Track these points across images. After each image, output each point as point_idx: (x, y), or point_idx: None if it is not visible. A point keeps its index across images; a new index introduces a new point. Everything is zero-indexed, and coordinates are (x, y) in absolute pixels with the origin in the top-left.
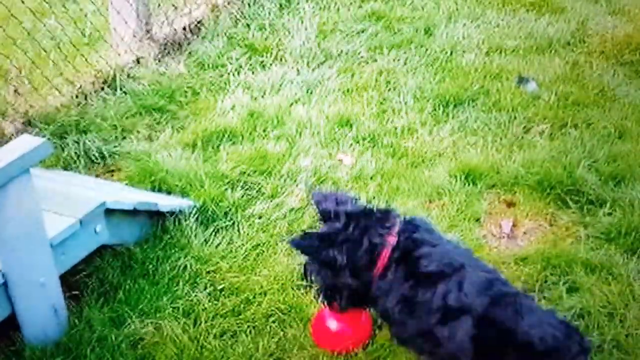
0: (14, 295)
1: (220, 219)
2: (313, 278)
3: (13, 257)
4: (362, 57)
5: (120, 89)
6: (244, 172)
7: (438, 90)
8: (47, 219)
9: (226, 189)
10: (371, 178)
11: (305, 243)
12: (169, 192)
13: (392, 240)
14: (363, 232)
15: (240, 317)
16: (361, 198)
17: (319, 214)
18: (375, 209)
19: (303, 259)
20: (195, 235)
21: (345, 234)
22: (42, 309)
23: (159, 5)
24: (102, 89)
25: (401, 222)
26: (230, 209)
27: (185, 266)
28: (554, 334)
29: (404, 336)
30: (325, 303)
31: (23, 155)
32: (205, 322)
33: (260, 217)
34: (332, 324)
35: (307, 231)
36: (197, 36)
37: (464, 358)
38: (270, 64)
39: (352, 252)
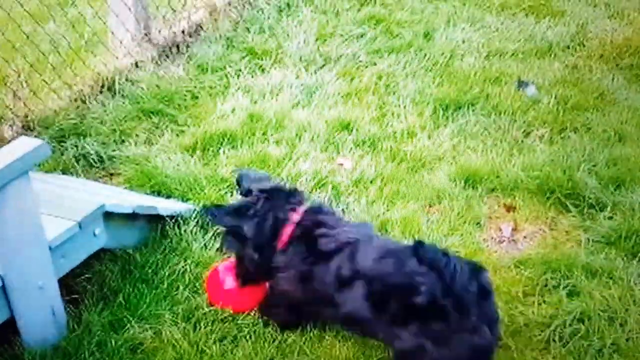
0: (13, 299)
1: None
2: (227, 248)
3: (12, 260)
4: (361, 61)
5: (119, 93)
6: None
7: (437, 94)
8: (45, 222)
9: (226, 193)
10: (371, 182)
11: (215, 213)
12: (168, 196)
13: (295, 217)
14: (270, 207)
15: (240, 322)
16: (361, 202)
17: (239, 191)
18: (285, 187)
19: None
20: (195, 240)
21: (254, 208)
22: (41, 313)
23: (158, 8)
24: (101, 92)
25: (308, 203)
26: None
27: (185, 270)
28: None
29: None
30: (238, 277)
31: (22, 157)
32: (205, 327)
33: None
34: (228, 282)
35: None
36: (196, 40)
37: (362, 315)
38: (270, 68)
39: (258, 226)
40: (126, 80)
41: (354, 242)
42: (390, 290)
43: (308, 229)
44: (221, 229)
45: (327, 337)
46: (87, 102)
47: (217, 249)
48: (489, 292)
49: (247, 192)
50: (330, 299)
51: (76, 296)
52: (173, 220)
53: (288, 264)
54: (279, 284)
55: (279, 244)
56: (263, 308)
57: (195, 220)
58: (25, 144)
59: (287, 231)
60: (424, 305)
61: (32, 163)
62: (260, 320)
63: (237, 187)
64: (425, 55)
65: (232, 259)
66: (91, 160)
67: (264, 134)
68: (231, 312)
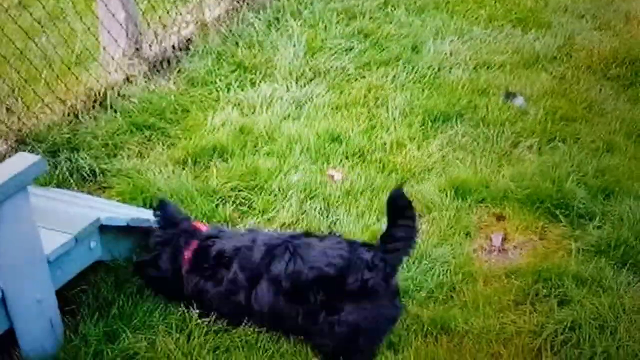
0: (12, 311)
1: None
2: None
3: (11, 274)
4: (350, 74)
5: (111, 107)
6: (235, 188)
7: (426, 106)
8: (43, 235)
9: (217, 205)
10: (361, 193)
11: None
12: None
13: (194, 244)
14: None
15: (233, 332)
16: (351, 213)
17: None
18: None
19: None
20: None
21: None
22: (39, 324)
23: (149, 24)
24: (93, 107)
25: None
26: (221, 224)
27: None
28: (340, 255)
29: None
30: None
31: (20, 172)
32: (199, 337)
33: None
34: None
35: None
36: (187, 54)
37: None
38: (260, 81)
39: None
40: (118, 94)
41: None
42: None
43: (205, 248)
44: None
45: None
46: (79, 116)
47: None
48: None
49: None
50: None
51: (73, 307)
52: None
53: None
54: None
55: (183, 267)
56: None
57: None
58: (24, 160)
59: (187, 256)
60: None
61: (30, 178)
62: (252, 331)
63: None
64: (414, 67)
65: None
66: (84, 174)
67: (254, 146)
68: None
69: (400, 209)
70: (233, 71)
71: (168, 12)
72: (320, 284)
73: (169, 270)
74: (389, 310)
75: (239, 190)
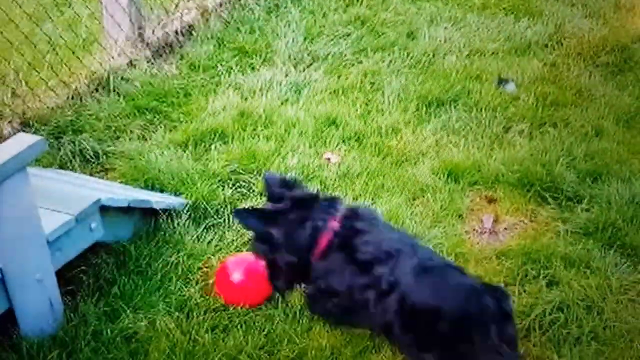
0: (12, 291)
1: (212, 216)
2: (257, 252)
3: (10, 254)
4: (347, 59)
5: (114, 91)
6: (235, 171)
7: (421, 91)
8: (43, 216)
9: (217, 187)
10: (357, 176)
11: (246, 217)
12: (161, 190)
13: (334, 226)
14: (306, 215)
15: (231, 311)
16: (347, 195)
17: (267, 195)
18: (321, 195)
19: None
20: (188, 232)
21: (287, 215)
22: (38, 304)
23: (152, 9)
24: (97, 90)
25: (345, 210)
26: (221, 207)
27: (178, 262)
28: (466, 300)
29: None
30: (270, 281)
31: (19, 153)
32: (197, 316)
33: None
34: (236, 276)
35: (253, 207)
36: (189, 39)
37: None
38: (260, 66)
39: (291, 233)
40: (121, 78)
41: (395, 253)
42: (420, 311)
43: (347, 237)
44: (252, 233)
45: (315, 327)
46: (83, 99)
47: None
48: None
49: (278, 198)
50: (367, 307)
51: (72, 287)
52: (166, 214)
53: (327, 273)
54: (320, 290)
55: (316, 252)
56: (311, 306)
57: (188, 213)
58: (23, 140)
59: (325, 240)
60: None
61: (29, 159)
62: (250, 310)
63: (265, 191)
64: (409, 54)
65: (240, 254)
66: (87, 156)
67: (253, 129)
68: (240, 305)
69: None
70: (234, 56)
71: None
72: (446, 319)
73: (296, 250)
74: None
75: (239, 173)
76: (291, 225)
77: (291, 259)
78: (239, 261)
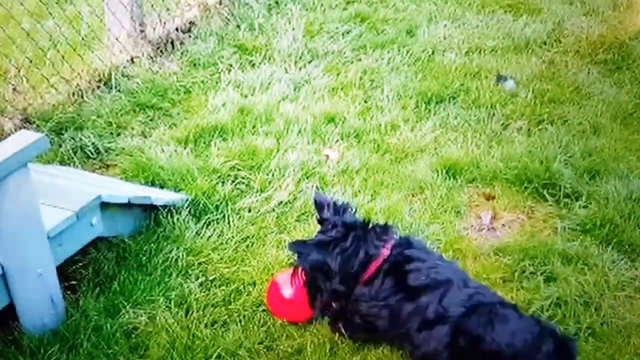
0: (13, 286)
1: (211, 212)
2: (305, 279)
3: (11, 249)
4: (347, 56)
5: (115, 87)
6: (234, 167)
7: (420, 89)
8: (44, 211)
9: (217, 183)
10: (356, 173)
11: (303, 248)
12: (162, 186)
13: (385, 252)
14: (360, 243)
15: (231, 306)
16: (347, 192)
17: (317, 218)
18: (373, 223)
19: (296, 261)
20: (187, 228)
21: (342, 244)
22: (39, 299)
23: (153, 7)
24: (98, 87)
25: (397, 237)
26: (220, 203)
27: (178, 258)
28: (524, 339)
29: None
30: (310, 304)
31: (21, 149)
32: (197, 311)
33: (249, 211)
34: (286, 292)
35: (305, 239)
36: (190, 36)
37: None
38: (260, 63)
39: (345, 262)
40: (122, 75)
41: (445, 283)
42: (475, 348)
43: (397, 263)
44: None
45: (314, 323)
46: (84, 96)
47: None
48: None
49: (330, 224)
50: (409, 333)
51: (73, 283)
52: (166, 210)
53: (374, 297)
54: (360, 314)
55: (364, 276)
56: (337, 327)
57: (188, 209)
58: (25, 137)
59: (375, 265)
60: None
61: (31, 155)
62: (250, 305)
63: (316, 214)
64: (408, 51)
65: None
66: (88, 152)
67: (253, 126)
68: (288, 320)
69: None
70: (234, 53)
71: None
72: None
73: (346, 277)
74: None
75: (238, 169)
76: (345, 254)
77: (340, 287)
78: (288, 277)
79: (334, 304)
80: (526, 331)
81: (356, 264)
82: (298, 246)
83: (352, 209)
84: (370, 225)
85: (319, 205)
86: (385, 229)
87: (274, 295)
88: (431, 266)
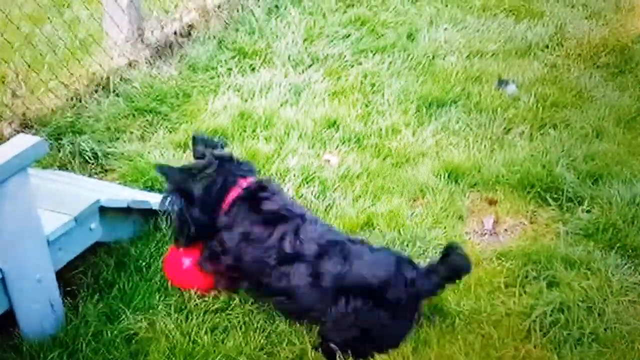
0: (12, 291)
1: None
2: (170, 207)
3: (10, 254)
4: (347, 60)
5: (114, 92)
6: None
7: (421, 93)
8: (43, 216)
9: None
10: (357, 177)
11: (169, 170)
12: (160, 191)
13: (243, 183)
14: (221, 172)
15: (231, 312)
16: (348, 197)
17: (194, 153)
18: (238, 157)
19: (166, 188)
20: None
21: (205, 172)
22: (39, 305)
23: (151, 10)
24: (96, 91)
25: (259, 177)
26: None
27: None
28: (385, 268)
29: (241, 266)
30: (173, 238)
31: (20, 153)
32: (197, 317)
33: None
34: (186, 261)
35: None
36: (188, 40)
37: (304, 301)
38: (259, 67)
39: (207, 189)
40: (120, 79)
41: (299, 216)
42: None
43: (252, 192)
44: (171, 187)
45: (315, 328)
46: (82, 100)
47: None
48: None
49: (200, 156)
50: (269, 268)
51: (73, 288)
52: (165, 214)
53: (231, 224)
54: (221, 244)
55: (223, 205)
56: (202, 264)
57: None
58: (24, 141)
59: (233, 194)
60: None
61: (30, 160)
62: (250, 311)
63: (192, 149)
64: (409, 55)
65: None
66: (87, 157)
67: (253, 131)
68: (198, 291)
69: (454, 263)
70: (233, 57)
71: None
72: (359, 290)
73: (206, 205)
74: (404, 327)
75: None
76: (207, 181)
77: (202, 217)
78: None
79: (223, 263)
80: (384, 262)
81: (214, 192)
82: (165, 168)
83: (224, 145)
84: (236, 160)
85: (195, 141)
86: (249, 164)
87: (173, 262)
88: (285, 200)
